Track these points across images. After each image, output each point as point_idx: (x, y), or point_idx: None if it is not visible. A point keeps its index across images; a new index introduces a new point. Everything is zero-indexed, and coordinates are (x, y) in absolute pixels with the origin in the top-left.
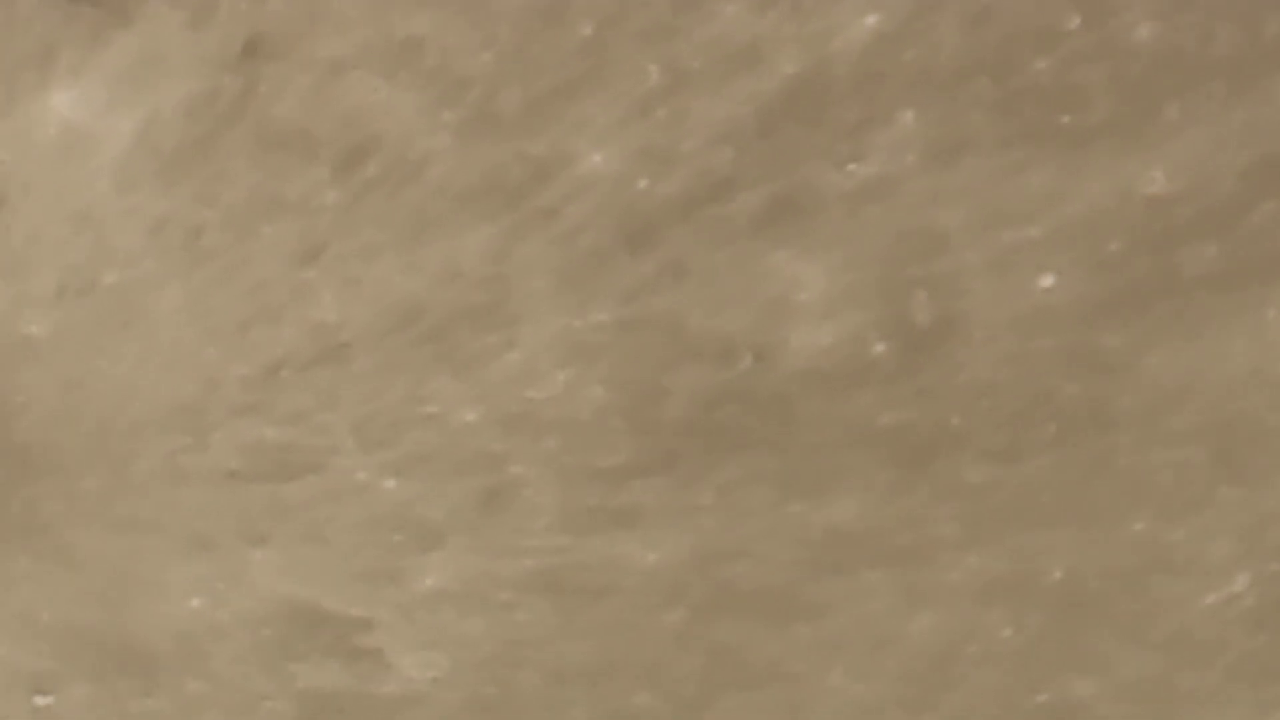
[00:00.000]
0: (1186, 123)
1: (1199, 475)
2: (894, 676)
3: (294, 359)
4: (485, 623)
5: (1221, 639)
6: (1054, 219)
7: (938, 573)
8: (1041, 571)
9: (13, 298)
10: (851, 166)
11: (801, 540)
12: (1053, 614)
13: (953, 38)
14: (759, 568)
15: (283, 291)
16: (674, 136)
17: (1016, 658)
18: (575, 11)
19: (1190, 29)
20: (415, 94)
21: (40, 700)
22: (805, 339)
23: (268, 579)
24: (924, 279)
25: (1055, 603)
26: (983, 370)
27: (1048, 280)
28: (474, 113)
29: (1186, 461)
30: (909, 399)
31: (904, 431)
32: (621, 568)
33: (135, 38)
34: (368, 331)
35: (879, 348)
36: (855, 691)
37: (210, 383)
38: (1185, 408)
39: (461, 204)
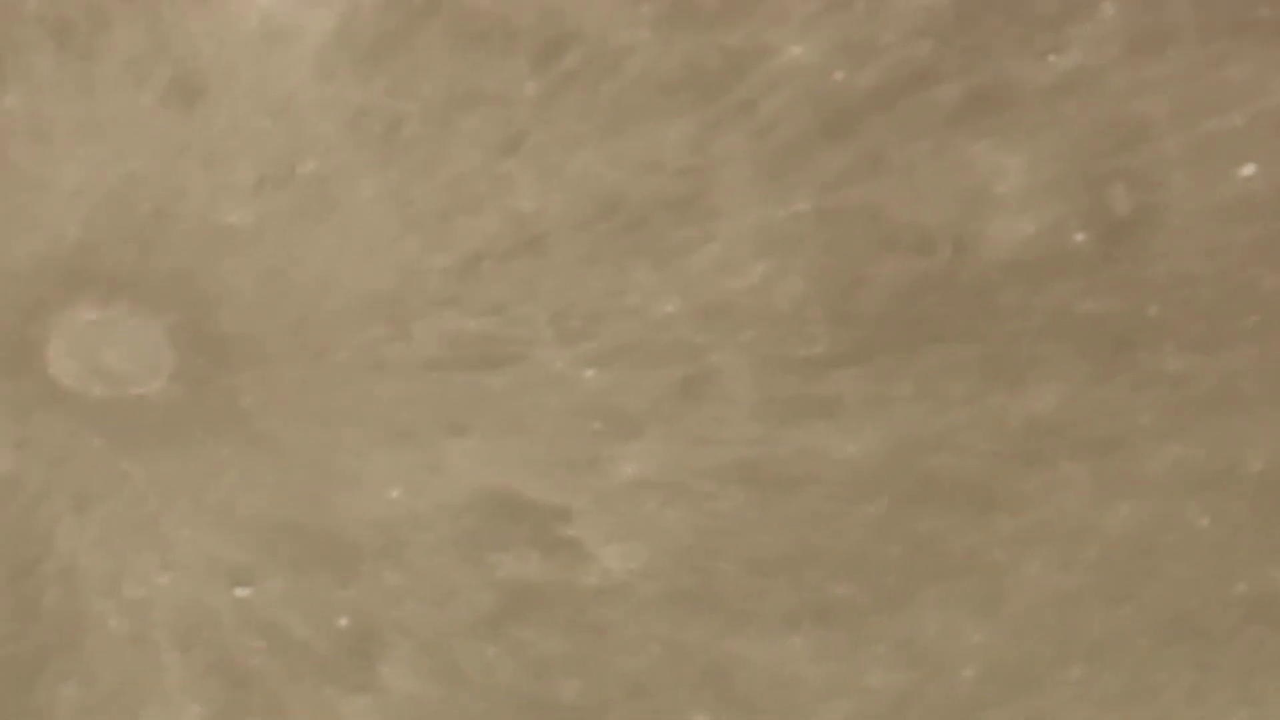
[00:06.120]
0: None
1: None
2: (1092, 566)
3: (493, 250)
4: (684, 513)
5: None
6: (1254, 109)
7: (1136, 463)
8: (1240, 461)
9: (213, 188)
10: (1051, 58)
11: (1001, 431)
12: (1252, 504)
13: None
14: (958, 458)
15: (482, 182)
16: (872, 28)
17: (1215, 548)
18: None
19: None
20: None
21: (240, 592)
22: (1004, 229)
23: (467, 468)
24: (1123, 169)
25: (1254, 493)
26: (1182, 260)
27: (1248, 170)
28: (672, 5)
29: None
30: (1108, 289)
31: (1103, 321)
32: (820, 458)
33: None
34: (567, 222)
35: (1078, 237)
36: (1054, 581)
37: (409, 273)
38: None
39: (660, 95)
